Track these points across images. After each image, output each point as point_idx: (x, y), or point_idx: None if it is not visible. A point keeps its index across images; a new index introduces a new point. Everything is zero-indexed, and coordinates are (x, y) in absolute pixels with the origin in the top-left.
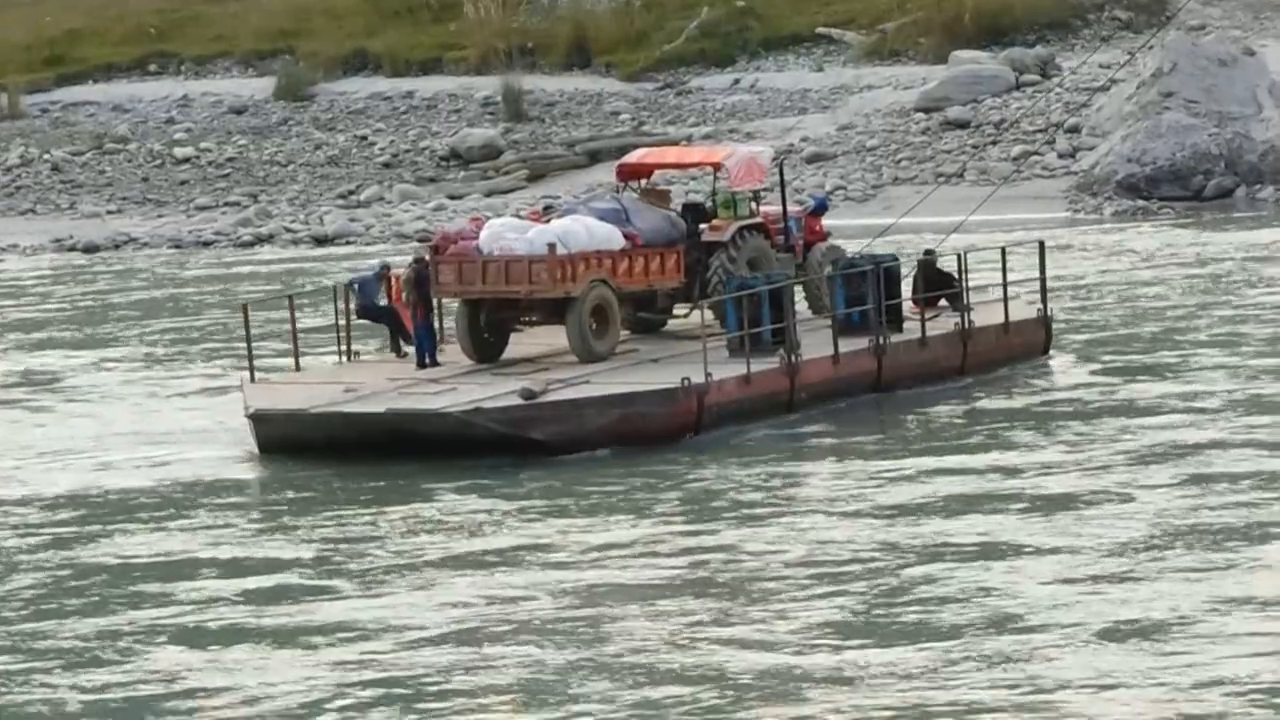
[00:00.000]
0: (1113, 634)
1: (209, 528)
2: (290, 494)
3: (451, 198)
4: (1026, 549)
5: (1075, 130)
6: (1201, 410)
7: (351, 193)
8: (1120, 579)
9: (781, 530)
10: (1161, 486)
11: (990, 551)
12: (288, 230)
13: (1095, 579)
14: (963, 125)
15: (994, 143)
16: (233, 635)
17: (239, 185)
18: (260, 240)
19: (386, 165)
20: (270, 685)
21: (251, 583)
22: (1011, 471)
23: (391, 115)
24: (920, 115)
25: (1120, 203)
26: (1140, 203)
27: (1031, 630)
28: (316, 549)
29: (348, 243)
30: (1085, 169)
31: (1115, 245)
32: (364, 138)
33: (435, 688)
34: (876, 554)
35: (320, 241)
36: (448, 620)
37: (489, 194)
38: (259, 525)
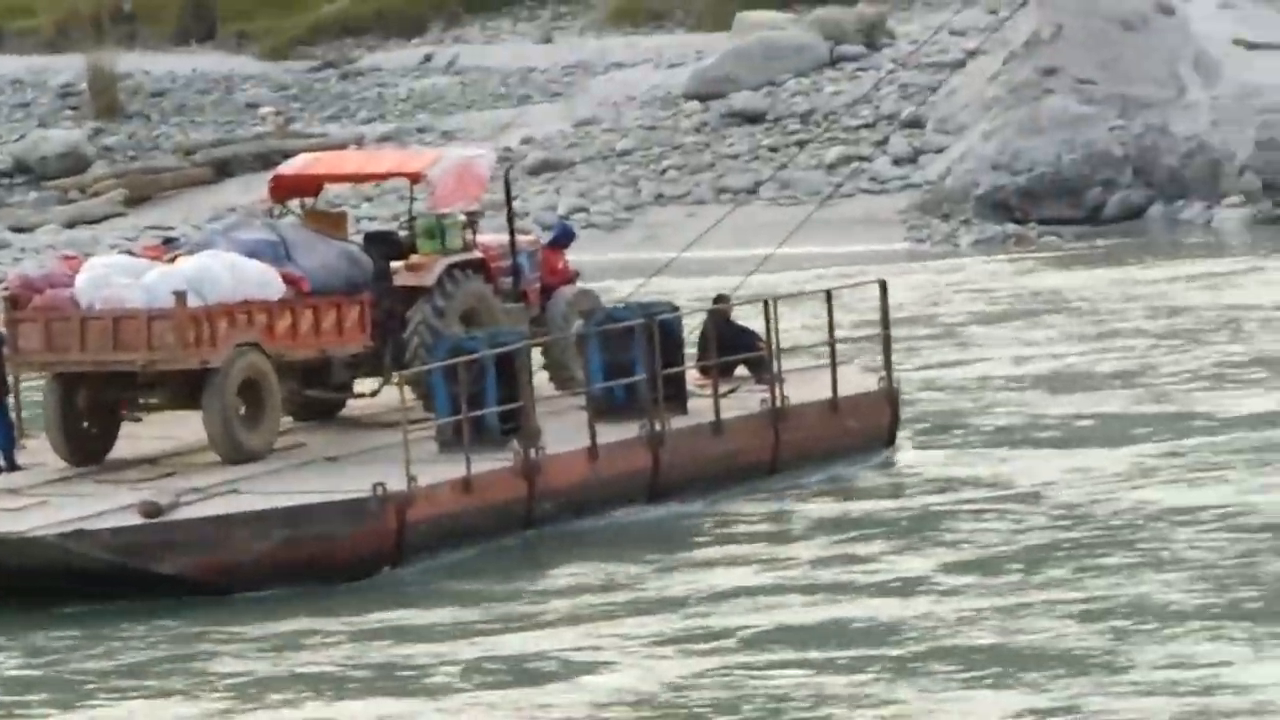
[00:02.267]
0: None
1: None
2: None
3: (16, 230)
4: None
5: (917, 125)
6: (1114, 545)
7: None
8: None
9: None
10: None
11: None
12: None
13: None
14: (755, 119)
15: (801, 144)
16: None
17: None
18: None
19: None
20: None
21: None
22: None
23: None
24: (694, 104)
25: (983, 228)
26: (1011, 227)
27: None
28: None
29: None
30: (932, 181)
31: (976, 287)
32: None
33: None
34: None
35: None
36: None
37: (71, 224)
38: None
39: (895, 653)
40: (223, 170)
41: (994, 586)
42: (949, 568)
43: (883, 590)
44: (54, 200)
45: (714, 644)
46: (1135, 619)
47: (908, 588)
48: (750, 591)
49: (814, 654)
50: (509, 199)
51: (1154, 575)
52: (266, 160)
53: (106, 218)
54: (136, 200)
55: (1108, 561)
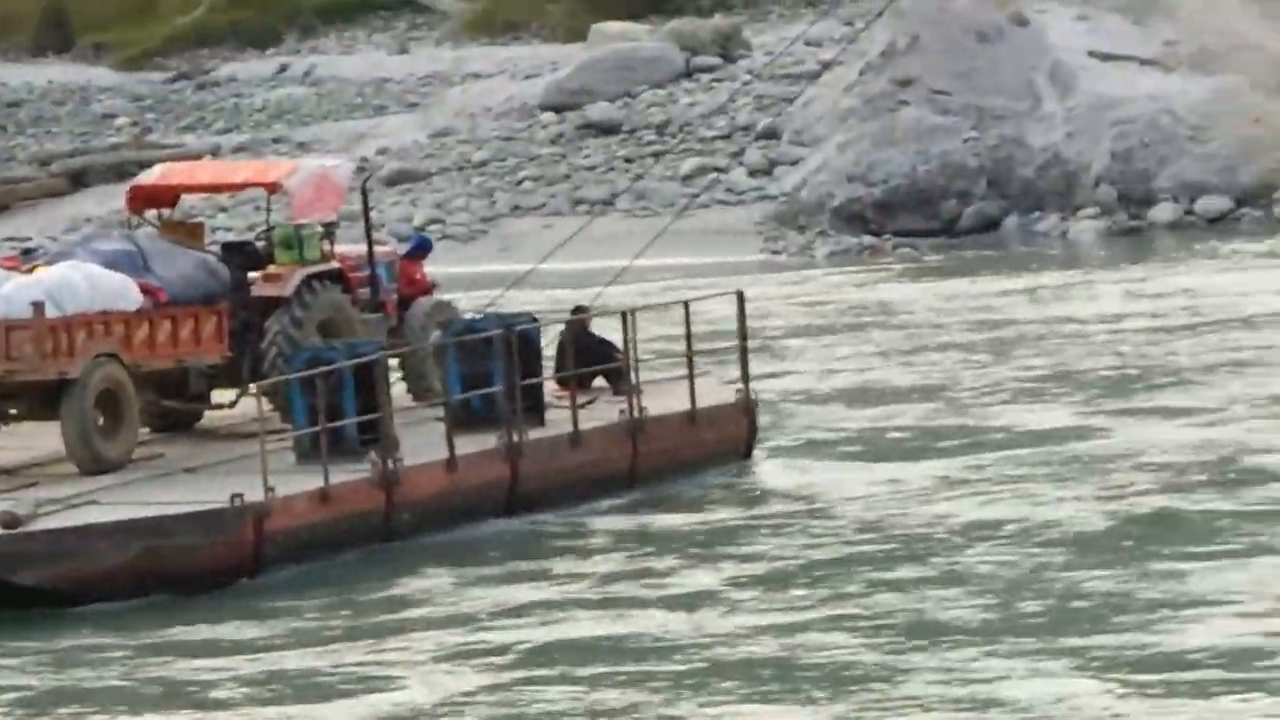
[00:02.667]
0: None
1: None
2: None
3: None
4: None
5: (773, 136)
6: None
7: None
8: None
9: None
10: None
11: None
12: None
13: None
14: (611, 130)
15: (657, 155)
16: None
17: None
18: None
19: None
20: None
21: None
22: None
23: None
24: (550, 116)
25: (838, 239)
26: (867, 239)
27: None
28: None
29: None
30: (787, 192)
31: (830, 300)
32: None
33: None
34: None
35: None
36: None
37: None
38: None
39: (676, 668)
40: (78, 181)
41: (784, 600)
42: (744, 582)
43: (674, 604)
44: None
45: (500, 659)
46: (918, 634)
47: (697, 602)
48: (547, 605)
49: (598, 669)
50: (366, 209)
51: (942, 590)
52: (122, 171)
53: None
54: None
55: (898, 575)
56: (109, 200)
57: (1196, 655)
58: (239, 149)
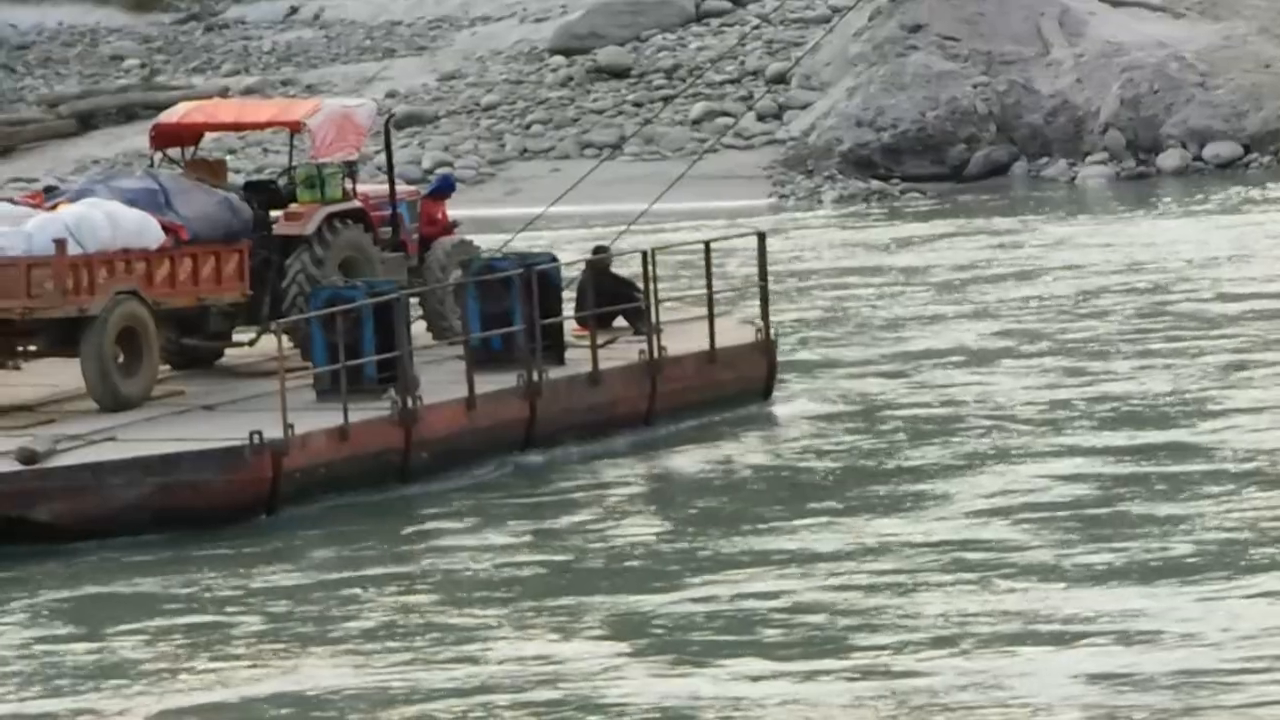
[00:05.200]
0: None
1: None
2: None
3: None
4: None
5: (782, 81)
6: (981, 495)
7: None
8: None
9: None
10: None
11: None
12: None
13: None
14: (620, 74)
15: (666, 99)
16: None
17: None
18: None
19: None
20: None
21: None
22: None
23: None
24: (559, 59)
25: (847, 184)
26: (875, 184)
27: None
28: None
29: None
30: (796, 136)
31: (839, 244)
32: None
33: None
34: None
35: None
36: None
37: None
38: None
39: (689, 606)
40: (87, 123)
41: (798, 538)
42: (761, 519)
43: (689, 540)
44: None
45: (513, 594)
46: (946, 570)
47: (711, 538)
48: (559, 542)
49: (610, 601)
50: (389, 149)
51: (966, 522)
52: (130, 113)
53: None
54: (0, 152)
55: (916, 512)
56: (116, 142)
57: None
58: (248, 91)
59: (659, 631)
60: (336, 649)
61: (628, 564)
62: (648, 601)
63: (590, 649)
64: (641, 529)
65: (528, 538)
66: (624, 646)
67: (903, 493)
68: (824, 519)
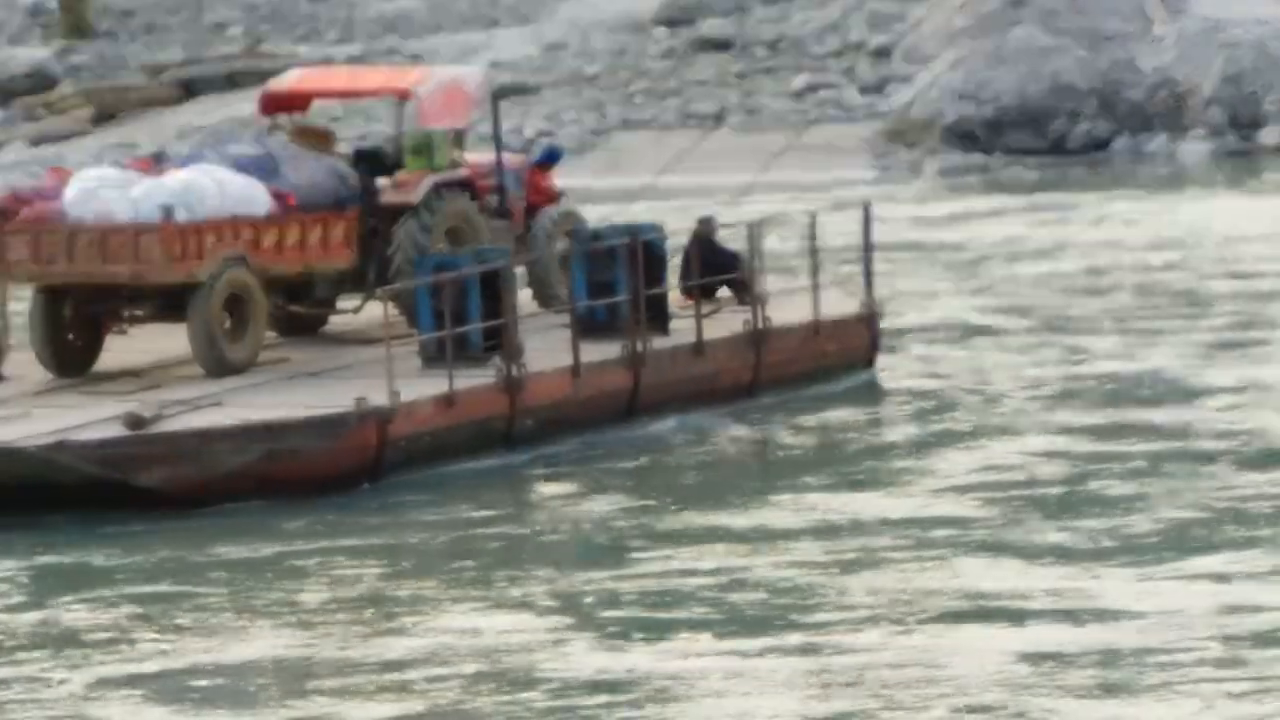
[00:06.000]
0: None
1: None
2: None
3: None
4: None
5: (884, 54)
6: (1090, 458)
7: None
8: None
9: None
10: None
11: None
12: None
13: None
14: (723, 46)
15: (768, 71)
16: None
17: None
18: None
19: None
20: None
21: None
22: (834, 565)
23: None
24: (662, 31)
25: (948, 157)
26: (977, 156)
27: None
28: None
29: None
30: (898, 109)
31: (942, 217)
32: None
33: None
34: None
35: None
36: None
37: (37, 141)
38: None
39: (796, 573)
40: (189, 90)
41: (905, 508)
42: (866, 490)
43: (794, 510)
44: (20, 117)
45: (619, 565)
46: (1044, 554)
47: (816, 507)
48: (664, 509)
49: (716, 568)
50: (496, 119)
51: (1069, 507)
52: (233, 81)
53: (72, 135)
54: (102, 118)
55: (1017, 487)
56: (216, 110)
57: None
58: (351, 60)
59: (759, 600)
60: (446, 606)
61: (715, 527)
62: (749, 567)
63: (697, 616)
64: (748, 499)
65: (632, 503)
66: (719, 618)
67: (1006, 467)
68: (937, 498)
